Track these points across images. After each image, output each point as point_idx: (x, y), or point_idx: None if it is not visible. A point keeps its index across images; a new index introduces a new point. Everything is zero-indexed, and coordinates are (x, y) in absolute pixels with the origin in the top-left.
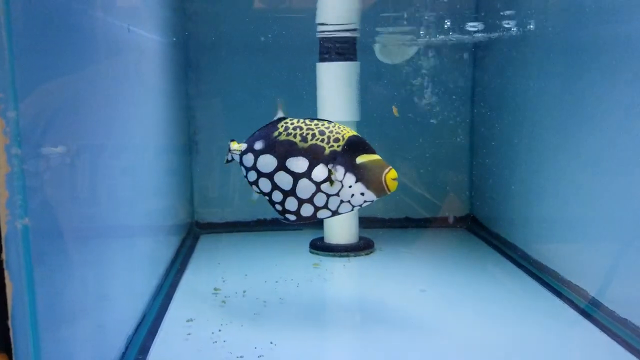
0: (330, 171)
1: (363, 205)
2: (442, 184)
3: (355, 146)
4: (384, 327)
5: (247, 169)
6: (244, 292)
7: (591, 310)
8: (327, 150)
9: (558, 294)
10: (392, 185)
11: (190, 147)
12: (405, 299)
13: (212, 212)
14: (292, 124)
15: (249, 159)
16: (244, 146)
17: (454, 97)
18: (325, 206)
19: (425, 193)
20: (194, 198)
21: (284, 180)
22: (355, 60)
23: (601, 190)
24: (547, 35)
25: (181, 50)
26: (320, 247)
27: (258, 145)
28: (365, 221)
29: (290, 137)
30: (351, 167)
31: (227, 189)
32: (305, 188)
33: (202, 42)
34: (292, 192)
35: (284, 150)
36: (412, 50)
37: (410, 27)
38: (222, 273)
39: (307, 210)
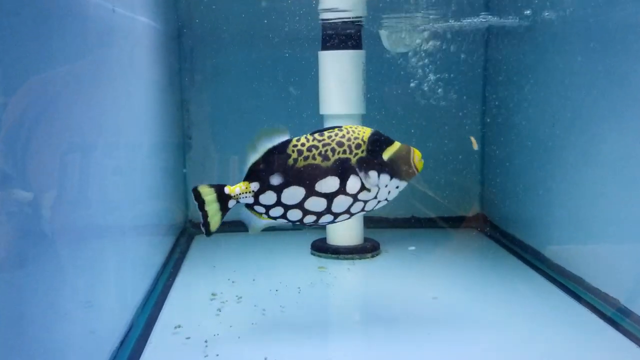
0: (363, 180)
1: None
2: (451, 181)
3: (377, 145)
4: (395, 340)
5: (269, 207)
6: (241, 298)
7: (619, 318)
8: (354, 160)
9: (584, 302)
10: (421, 165)
11: (184, 142)
12: (417, 307)
13: None
14: (302, 144)
15: (270, 197)
16: (254, 185)
17: (464, 87)
18: (362, 210)
19: (433, 191)
20: (188, 197)
21: (317, 204)
22: (361, 49)
23: (630, 188)
24: (569, 18)
25: (175, 38)
26: (323, 249)
27: (276, 180)
28: (370, 221)
29: (310, 161)
30: (382, 167)
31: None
32: (341, 203)
33: (197, 30)
34: (327, 211)
35: (309, 177)
36: (420, 38)
37: (418, 13)
38: (218, 277)
39: (343, 218)
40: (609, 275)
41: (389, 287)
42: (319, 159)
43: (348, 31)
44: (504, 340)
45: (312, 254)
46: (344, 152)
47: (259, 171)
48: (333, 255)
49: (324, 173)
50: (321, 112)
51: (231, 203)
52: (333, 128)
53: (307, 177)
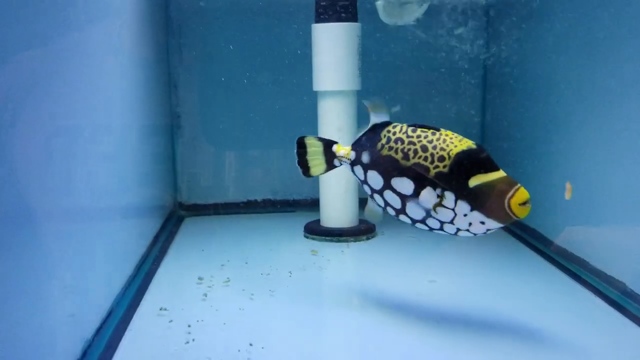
0: (439, 197)
1: (488, 233)
2: None
3: (466, 166)
4: (389, 326)
5: (361, 182)
6: (229, 282)
7: (623, 301)
8: (432, 172)
9: (587, 284)
10: (522, 212)
11: (172, 122)
12: (413, 292)
13: (198, 193)
14: (394, 134)
15: (359, 172)
16: (352, 154)
17: (464, 63)
18: (441, 229)
19: None
20: (177, 177)
21: (392, 199)
22: (356, 22)
23: (636, 170)
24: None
25: (161, 12)
26: (317, 231)
27: (365, 158)
28: (365, 202)
29: (392, 153)
30: (463, 194)
31: (213, 167)
32: (415, 211)
33: (185, 3)
34: (402, 211)
35: (387, 169)
36: (420, 10)
37: None
38: (206, 261)
39: (422, 227)
40: (614, 257)
41: (383, 270)
42: (399, 155)
43: (342, 2)
44: (502, 324)
45: (305, 236)
46: (425, 159)
47: (359, 143)
48: (327, 238)
49: (399, 172)
50: (315, 89)
51: (336, 162)
52: (430, 128)
53: (385, 169)
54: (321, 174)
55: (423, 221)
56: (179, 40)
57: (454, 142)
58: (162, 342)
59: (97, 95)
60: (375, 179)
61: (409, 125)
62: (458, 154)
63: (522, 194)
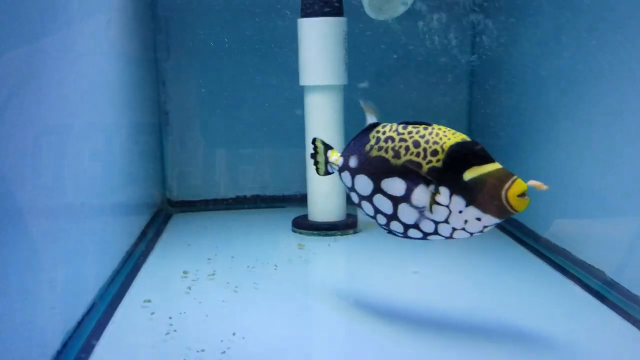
0: (432, 194)
1: (485, 231)
2: None
3: (459, 158)
4: (371, 315)
5: (349, 189)
6: (214, 275)
7: (604, 290)
8: (425, 168)
9: (569, 274)
10: (520, 205)
11: (160, 118)
12: (396, 282)
13: (187, 190)
14: (383, 133)
15: (346, 178)
16: (340, 161)
17: (451, 55)
18: (436, 232)
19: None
20: (165, 174)
21: (383, 204)
22: (342, 16)
23: (616, 162)
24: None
25: (148, 9)
26: (304, 225)
27: (353, 162)
28: None
29: (382, 153)
30: (457, 188)
31: (202, 164)
32: (407, 213)
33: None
34: (394, 216)
35: (376, 170)
36: (404, 5)
37: None
38: (192, 255)
39: (414, 234)
40: (595, 248)
41: (368, 262)
42: (390, 154)
43: None
44: (484, 313)
45: (293, 231)
46: (417, 155)
47: (347, 148)
48: (314, 232)
49: (391, 171)
50: (301, 83)
51: (329, 168)
52: (421, 124)
53: (374, 171)
54: (323, 175)
55: (416, 225)
56: (166, 37)
57: (447, 135)
58: (144, 333)
59: (85, 93)
60: (364, 183)
61: (399, 123)
62: (452, 147)
63: (518, 185)
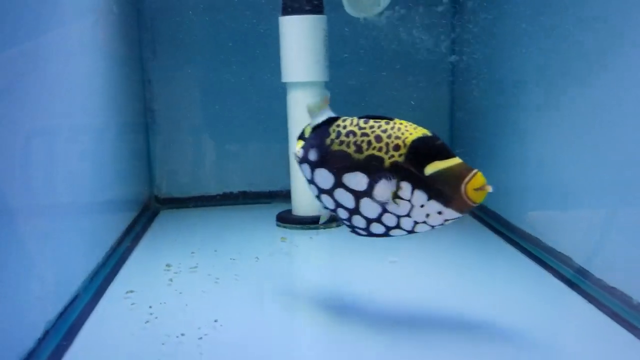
0: (394, 189)
1: (446, 224)
2: None
3: (421, 153)
4: (347, 303)
5: (308, 182)
6: (196, 268)
7: (576, 279)
8: (387, 162)
9: (540, 262)
10: (478, 197)
11: (146, 117)
12: (374, 272)
13: (174, 186)
14: (344, 127)
15: (306, 170)
16: (300, 152)
17: (431, 54)
18: (398, 226)
19: None
20: (152, 172)
21: (345, 198)
22: (322, 14)
23: (586, 155)
24: None
25: (132, 8)
26: (288, 219)
27: (312, 156)
28: None
29: (344, 147)
30: (419, 183)
31: (189, 161)
32: (369, 208)
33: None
34: (356, 210)
35: (338, 164)
36: (383, 3)
37: None
38: (176, 249)
39: (377, 229)
40: (567, 236)
41: (348, 254)
42: (352, 149)
43: None
44: (459, 301)
45: (277, 225)
46: (380, 149)
47: (307, 140)
48: (297, 226)
49: (353, 166)
50: (283, 80)
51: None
52: (383, 118)
53: (336, 165)
54: None
55: (379, 219)
56: (151, 37)
57: (409, 130)
58: (124, 322)
59: (73, 94)
60: (324, 177)
61: (360, 117)
62: (414, 142)
63: (477, 179)
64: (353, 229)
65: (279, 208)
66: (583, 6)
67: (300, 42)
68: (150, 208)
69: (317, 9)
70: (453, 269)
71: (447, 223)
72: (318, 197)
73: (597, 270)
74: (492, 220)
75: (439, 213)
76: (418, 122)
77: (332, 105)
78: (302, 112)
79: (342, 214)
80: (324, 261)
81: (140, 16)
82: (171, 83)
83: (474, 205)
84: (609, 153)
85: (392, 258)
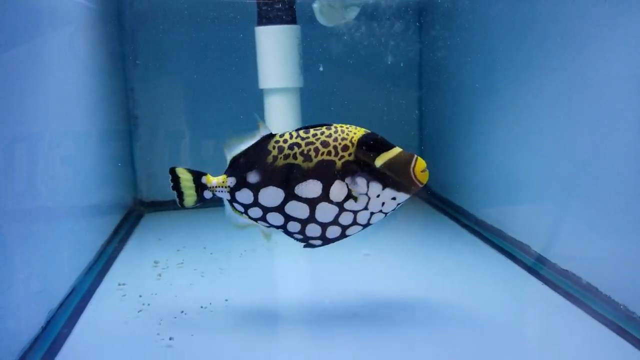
0: (350, 187)
1: (396, 208)
2: None
3: (369, 148)
4: (323, 294)
5: (247, 206)
6: (183, 264)
7: (535, 265)
8: (339, 164)
9: (503, 251)
10: (424, 178)
11: (130, 124)
12: (349, 264)
13: (157, 190)
14: (285, 141)
15: (246, 195)
16: (231, 181)
17: (399, 60)
18: (355, 222)
19: None
20: (136, 176)
21: (298, 209)
22: (295, 24)
23: (541, 152)
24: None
25: (114, 20)
26: None
27: (253, 178)
28: None
29: (290, 160)
30: (373, 175)
31: (171, 164)
32: (325, 212)
33: (138, 10)
34: (311, 219)
35: (287, 178)
36: (353, 12)
37: None
38: (163, 248)
39: (333, 232)
40: (526, 226)
41: (325, 249)
42: (300, 159)
43: (281, 6)
44: (429, 289)
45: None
46: (329, 153)
47: (238, 166)
48: None
49: (304, 175)
50: (260, 87)
51: (207, 194)
52: (322, 125)
53: (285, 178)
54: (194, 205)
55: (335, 221)
56: (133, 47)
57: (353, 131)
58: (118, 311)
59: (58, 101)
60: (272, 195)
61: (297, 130)
62: (360, 139)
63: (420, 163)
64: (307, 241)
65: None
66: (528, 25)
67: (275, 51)
68: (135, 211)
69: (290, 20)
70: (423, 260)
71: (397, 207)
72: (262, 218)
73: (552, 255)
74: (458, 214)
75: (393, 199)
76: (389, 124)
77: (306, 109)
78: (278, 116)
79: (293, 227)
80: (302, 255)
81: (122, 29)
82: (152, 91)
83: (421, 185)
84: (561, 150)
85: (366, 251)
